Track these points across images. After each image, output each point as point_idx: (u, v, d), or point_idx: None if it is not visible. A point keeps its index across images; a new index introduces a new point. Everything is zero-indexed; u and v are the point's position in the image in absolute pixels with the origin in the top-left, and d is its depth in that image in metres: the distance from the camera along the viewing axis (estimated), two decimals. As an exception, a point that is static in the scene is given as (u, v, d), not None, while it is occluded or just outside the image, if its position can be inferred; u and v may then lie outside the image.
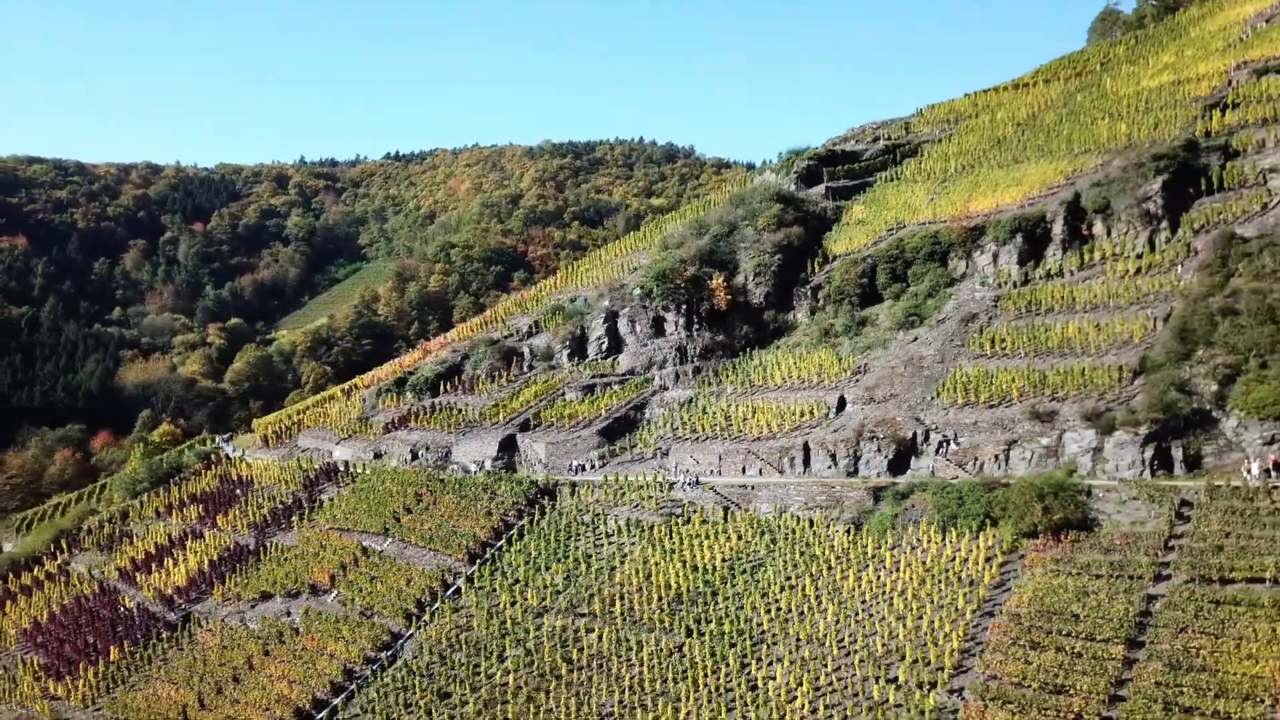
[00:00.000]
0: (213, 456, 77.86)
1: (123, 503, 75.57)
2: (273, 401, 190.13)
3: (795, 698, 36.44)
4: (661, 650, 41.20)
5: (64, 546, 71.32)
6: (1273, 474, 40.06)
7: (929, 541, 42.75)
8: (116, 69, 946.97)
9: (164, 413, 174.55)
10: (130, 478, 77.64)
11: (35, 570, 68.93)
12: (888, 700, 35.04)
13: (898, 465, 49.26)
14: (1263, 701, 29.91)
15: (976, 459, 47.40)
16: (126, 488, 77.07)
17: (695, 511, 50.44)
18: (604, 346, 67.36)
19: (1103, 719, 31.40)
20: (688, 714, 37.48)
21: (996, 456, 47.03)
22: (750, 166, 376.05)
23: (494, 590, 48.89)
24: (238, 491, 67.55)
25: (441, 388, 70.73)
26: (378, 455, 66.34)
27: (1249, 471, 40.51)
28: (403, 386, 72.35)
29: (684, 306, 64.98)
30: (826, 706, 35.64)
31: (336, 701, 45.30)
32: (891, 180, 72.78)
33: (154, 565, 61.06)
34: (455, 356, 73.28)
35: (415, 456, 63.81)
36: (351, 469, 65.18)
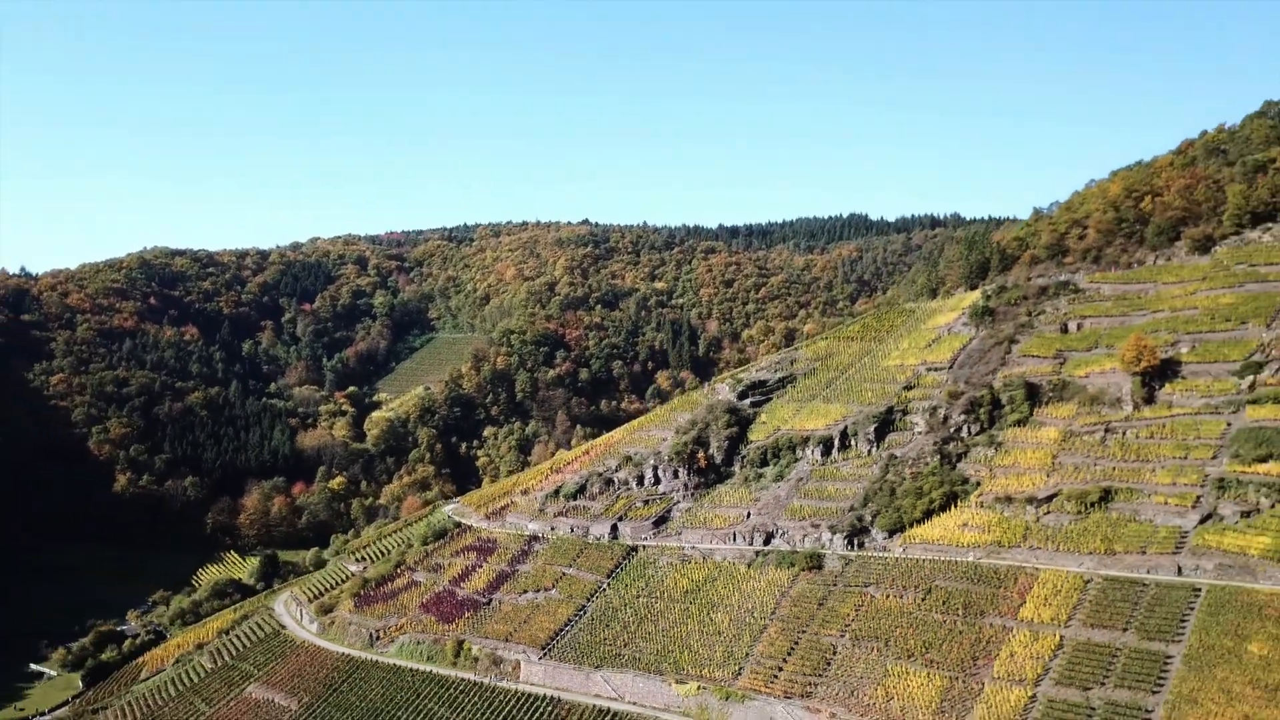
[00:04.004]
0: (462, 522, 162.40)
1: (421, 548, 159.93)
2: (400, 457, 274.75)
3: (725, 622, 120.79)
4: (680, 609, 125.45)
5: (401, 570, 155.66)
6: (897, 548, 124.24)
7: (773, 572, 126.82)
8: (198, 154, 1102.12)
9: (333, 468, 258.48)
10: (424, 533, 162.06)
11: (393, 582, 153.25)
12: (751, 624, 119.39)
13: (766, 543, 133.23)
14: (846, 622, 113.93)
15: (794, 542, 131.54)
16: (420, 539, 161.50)
17: (693, 559, 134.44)
18: (651, 480, 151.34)
19: (805, 624, 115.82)
20: (689, 630, 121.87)
21: (801, 540, 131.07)
22: (734, 233, 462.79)
23: (619, 588, 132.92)
24: (490, 545, 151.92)
25: (576, 496, 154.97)
26: (552, 529, 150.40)
27: (880, 549, 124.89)
28: (557, 494, 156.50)
29: (687, 464, 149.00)
30: (735, 624, 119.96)
31: (567, 628, 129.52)
32: (781, 399, 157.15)
33: (464, 579, 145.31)
34: (580, 479, 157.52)
35: (572, 531, 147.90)
36: (542, 536, 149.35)
